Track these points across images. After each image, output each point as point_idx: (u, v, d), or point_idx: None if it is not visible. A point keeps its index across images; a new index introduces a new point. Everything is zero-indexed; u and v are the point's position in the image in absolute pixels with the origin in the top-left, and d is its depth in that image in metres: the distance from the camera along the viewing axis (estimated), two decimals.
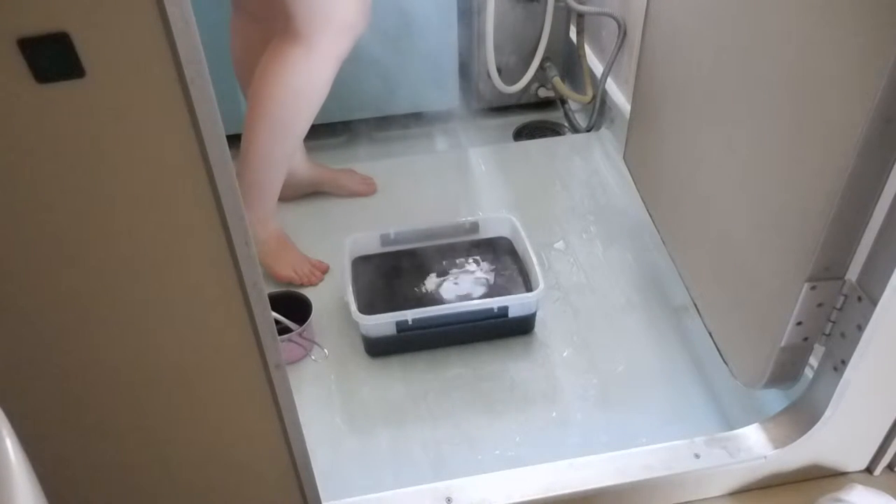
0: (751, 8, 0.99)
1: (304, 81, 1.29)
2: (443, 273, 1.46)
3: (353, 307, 1.30)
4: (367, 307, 1.34)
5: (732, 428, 1.11)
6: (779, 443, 1.05)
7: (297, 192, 1.68)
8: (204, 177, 0.59)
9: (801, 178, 0.90)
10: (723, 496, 1.10)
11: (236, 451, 0.83)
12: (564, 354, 1.37)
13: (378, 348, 1.36)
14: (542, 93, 2.01)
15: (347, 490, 1.04)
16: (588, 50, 1.97)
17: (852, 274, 0.91)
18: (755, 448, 1.05)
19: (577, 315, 1.44)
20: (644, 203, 1.45)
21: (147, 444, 0.78)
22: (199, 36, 0.54)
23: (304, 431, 0.83)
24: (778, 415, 1.07)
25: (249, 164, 1.38)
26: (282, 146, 1.39)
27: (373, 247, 1.49)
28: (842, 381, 0.95)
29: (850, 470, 1.12)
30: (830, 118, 0.83)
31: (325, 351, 1.37)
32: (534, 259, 1.38)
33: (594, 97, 1.89)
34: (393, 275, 1.47)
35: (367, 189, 1.73)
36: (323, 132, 1.91)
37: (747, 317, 1.07)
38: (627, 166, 1.54)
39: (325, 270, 1.53)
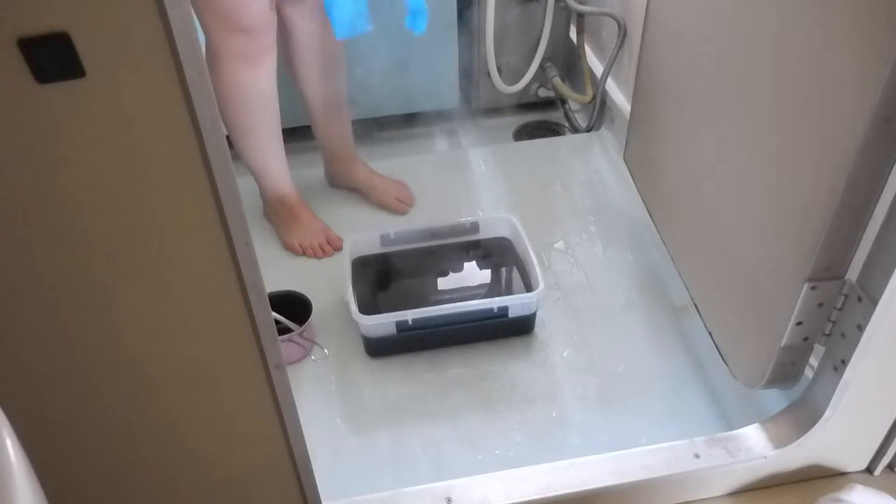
0: (751, 8, 0.99)
1: (217, 81, 1.39)
2: (443, 273, 1.46)
3: (353, 307, 1.30)
4: (367, 307, 1.33)
5: (732, 428, 1.11)
6: (779, 443, 1.05)
7: (342, 183, 1.73)
8: (204, 177, 0.59)
9: (802, 177, 0.90)
10: (723, 496, 1.10)
11: (236, 452, 0.83)
12: (564, 354, 1.37)
13: (378, 348, 1.36)
14: (542, 93, 2.01)
15: (347, 490, 1.04)
16: (588, 50, 1.97)
17: (852, 274, 0.91)
18: (755, 448, 1.05)
19: (577, 315, 1.44)
20: (644, 203, 1.45)
21: (147, 443, 0.78)
22: (199, 36, 0.54)
23: (304, 431, 0.83)
24: (778, 415, 1.07)
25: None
26: (244, 139, 1.48)
27: (373, 247, 1.49)
28: (842, 381, 0.95)
29: (850, 470, 1.12)
30: (830, 118, 0.83)
31: (325, 351, 1.37)
32: (534, 259, 1.38)
33: (594, 97, 1.89)
34: (393, 275, 1.47)
35: (397, 206, 1.69)
36: None
37: (747, 317, 1.07)
38: (627, 166, 1.54)
39: (337, 248, 1.57)
